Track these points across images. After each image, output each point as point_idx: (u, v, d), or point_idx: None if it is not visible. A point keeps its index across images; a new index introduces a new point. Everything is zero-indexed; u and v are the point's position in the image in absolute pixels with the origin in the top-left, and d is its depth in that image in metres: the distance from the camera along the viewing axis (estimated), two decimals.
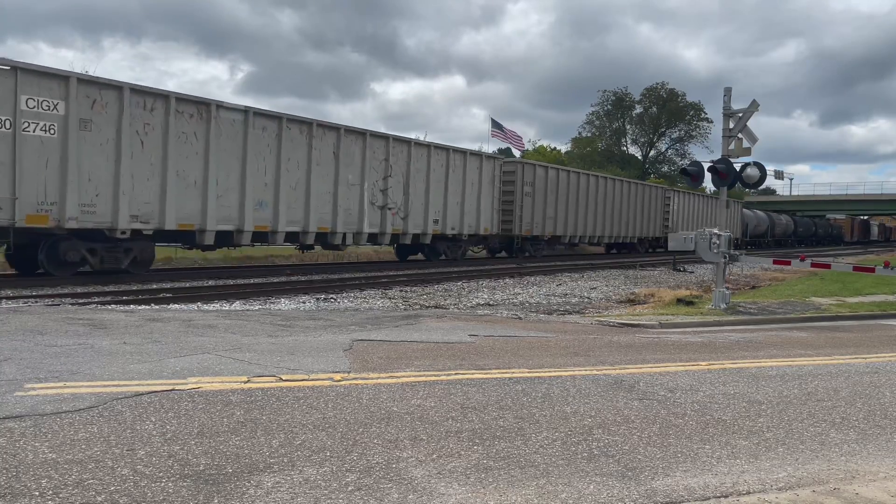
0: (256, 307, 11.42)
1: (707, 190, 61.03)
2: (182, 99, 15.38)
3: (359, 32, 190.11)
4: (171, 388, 4.99)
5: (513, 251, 28.53)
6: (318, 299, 13.02)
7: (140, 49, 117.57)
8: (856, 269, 13.23)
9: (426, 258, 24.09)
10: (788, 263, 13.75)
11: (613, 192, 33.58)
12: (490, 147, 53.09)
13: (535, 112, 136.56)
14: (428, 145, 22.59)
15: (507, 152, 47.30)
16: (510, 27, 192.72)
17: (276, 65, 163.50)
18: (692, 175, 13.92)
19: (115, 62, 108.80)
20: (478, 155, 25.02)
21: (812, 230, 66.40)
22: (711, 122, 73.47)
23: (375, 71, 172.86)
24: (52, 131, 13.20)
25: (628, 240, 35.65)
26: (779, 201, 77.98)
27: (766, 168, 12.69)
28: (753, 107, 12.55)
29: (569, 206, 30.10)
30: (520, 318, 10.57)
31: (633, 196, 35.69)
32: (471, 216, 24.37)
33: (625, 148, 78.11)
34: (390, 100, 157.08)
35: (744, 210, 52.19)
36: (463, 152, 24.06)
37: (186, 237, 16.30)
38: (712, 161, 13.06)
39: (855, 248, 62.22)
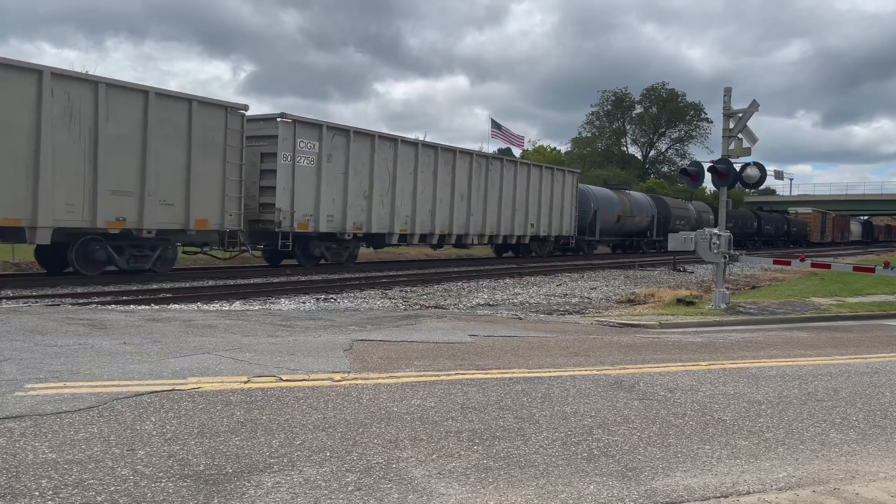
0: (256, 307, 11.42)
1: (707, 191, 59.95)
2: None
3: (362, 32, 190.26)
4: (171, 388, 4.99)
5: None
6: (318, 299, 13.02)
7: (143, 49, 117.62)
8: (856, 269, 13.29)
9: None
10: (789, 264, 13.90)
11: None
12: (491, 147, 52.68)
13: (538, 112, 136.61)
14: None
15: (506, 152, 47.30)
16: (514, 27, 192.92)
17: (279, 65, 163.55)
18: (692, 175, 13.90)
19: (118, 62, 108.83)
20: None
21: (752, 227, 50.31)
22: (711, 122, 73.50)
23: (378, 71, 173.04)
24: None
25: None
26: (778, 201, 77.99)
27: (767, 168, 12.69)
28: (753, 107, 12.54)
29: None
30: (520, 319, 10.57)
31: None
32: None
33: (625, 148, 78.10)
34: (393, 100, 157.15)
35: (589, 189, 32.76)
36: None
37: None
38: (712, 161, 13.05)
39: (822, 250, 49.97)
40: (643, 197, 38.06)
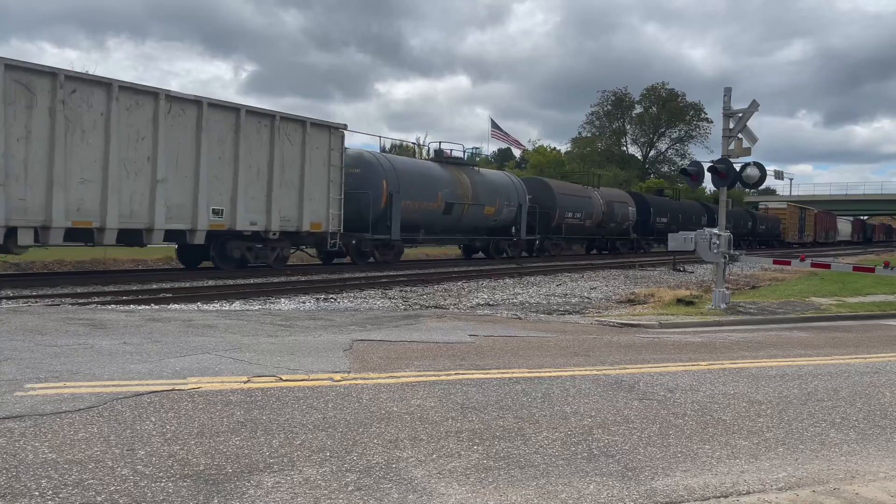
0: (256, 307, 11.42)
1: (707, 190, 59.73)
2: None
3: (364, 32, 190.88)
4: (171, 388, 4.99)
5: None
6: (318, 299, 13.02)
7: (144, 49, 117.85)
8: (856, 269, 13.34)
9: None
10: (789, 263, 14.00)
11: None
12: (491, 147, 52.57)
13: (540, 112, 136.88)
14: None
15: (507, 152, 47.29)
16: (515, 27, 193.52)
17: (281, 65, 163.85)
18: (692, 175, 13.91)
19: (119, 62, 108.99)
20: None
21: (700, 223, 36.81)
22: (711, 122, 73.43)
23: (380, 71, 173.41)
24: None
25: None
26: (778, 201, 77.94)
27: (767, 168, 12.70)
28: (753, 107, 12.54)
29: None
30: (520, 318, 10.57)
31: None
32: None
33: (625, 148, 78.07)
34: (394, 99, 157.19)
35: (380, 160, 20.34)
36: None
37: None
38: (712, 161, 13.06)
39: (800, 252, 38.75)
40: (503, 177, 25.08)
